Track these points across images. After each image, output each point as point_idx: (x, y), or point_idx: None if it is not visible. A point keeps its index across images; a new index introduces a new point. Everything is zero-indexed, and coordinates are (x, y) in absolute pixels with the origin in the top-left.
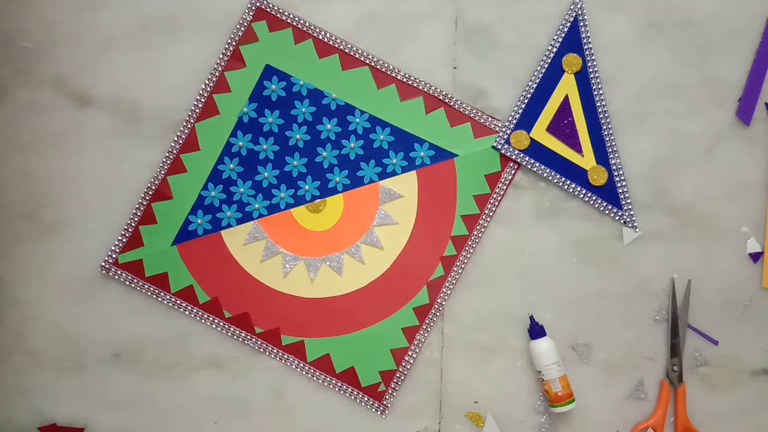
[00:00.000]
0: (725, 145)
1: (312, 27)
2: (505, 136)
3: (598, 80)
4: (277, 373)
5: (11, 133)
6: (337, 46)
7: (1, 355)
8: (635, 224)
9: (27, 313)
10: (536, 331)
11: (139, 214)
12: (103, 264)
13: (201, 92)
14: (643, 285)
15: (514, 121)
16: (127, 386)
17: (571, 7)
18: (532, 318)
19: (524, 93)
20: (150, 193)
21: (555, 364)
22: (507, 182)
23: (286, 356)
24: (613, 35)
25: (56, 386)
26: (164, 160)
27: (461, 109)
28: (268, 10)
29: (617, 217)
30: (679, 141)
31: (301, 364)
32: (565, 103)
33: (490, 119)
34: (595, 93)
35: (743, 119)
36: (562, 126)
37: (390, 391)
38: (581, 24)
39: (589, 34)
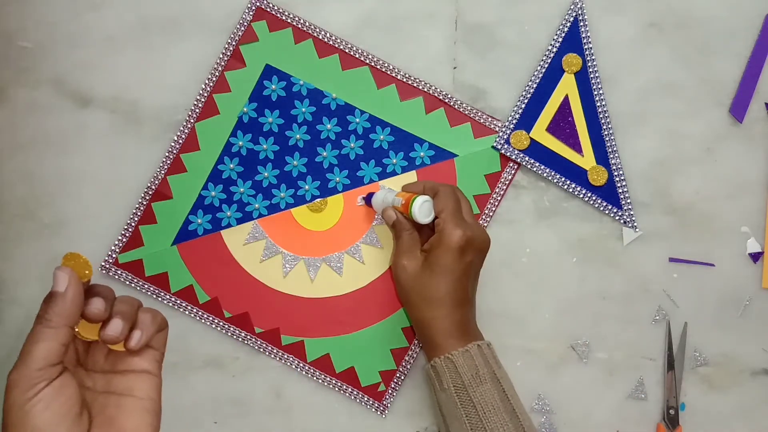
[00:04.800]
0: (725, 144)
1: (312, 27)
2: (505, 136)
3: (598, 80)
4: (277, 373)
5: (11, 133)
6: (337, 46)
7: (1, 355)
8: (635, 224)
9: (27, 313)
10: (369, 196)
11: (139, 214)
12: (103, 264)
13: (201, 92)
14: (643, 285)
15: (514, 121)
16: None
17: (571, 7)
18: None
19: (524, 93)
20: (150, 193)
21: (390, 191)
22: (507, 182)
23: (285, 356)
24: (613, 35)
25: None
26: (164, 159)
27: (461, 109)
28: (268, 9)
29: (617, 217)
30: (679, 141)
31: (301, 364)
32: (565, 103)
33: (490, 119)
34: (595, 93)
35: (736, 116)
36: (562, 126)
37: (390, 391)
38: (581, 24)
39: (589, 34)
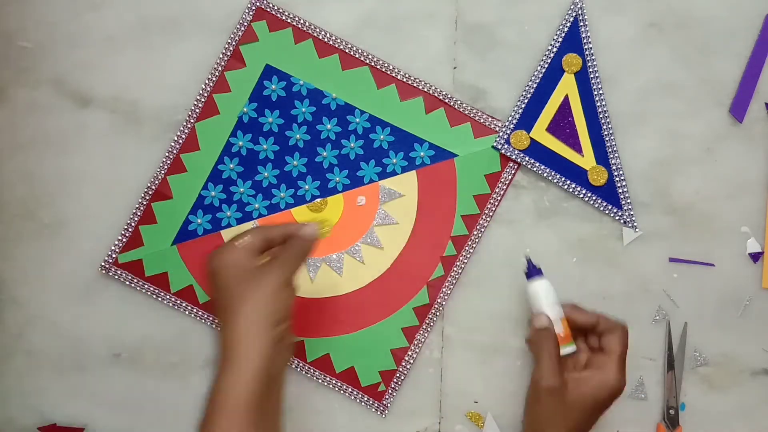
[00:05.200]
0: (725, 145)
1: (312, 27)
2: (505, 136)
3: (598, 80)
4: None
5: (11, 133)
6: (337, 46)
7: (1, 355)
8: (635, 224)
9: (27, 313)
10: (534, 271)
11: (139, 213)
12: (103, 264)
13: (201, 92)
14: (643, 285)
15: (514, 121)
16: (127, 386)
17: (571, 7)
18: (529, 260)
19: (524, 93)
20: (150, 192)
21: (556, 304)
22: (507, 182)
23: None
24: (613, 35)
25: (56, 386)
26: (164, 159)
27: (461, 109)
28: (268, 10)
29: (617, 217)
30: (679, 141)
31: (301, 364)
32: (565, 103)
33: (490, 119)
34: (595, 93)
35: (736, 116)
36: (562, 126)
37: (390, 391)
38: (581, 24)
39: (589, 34)
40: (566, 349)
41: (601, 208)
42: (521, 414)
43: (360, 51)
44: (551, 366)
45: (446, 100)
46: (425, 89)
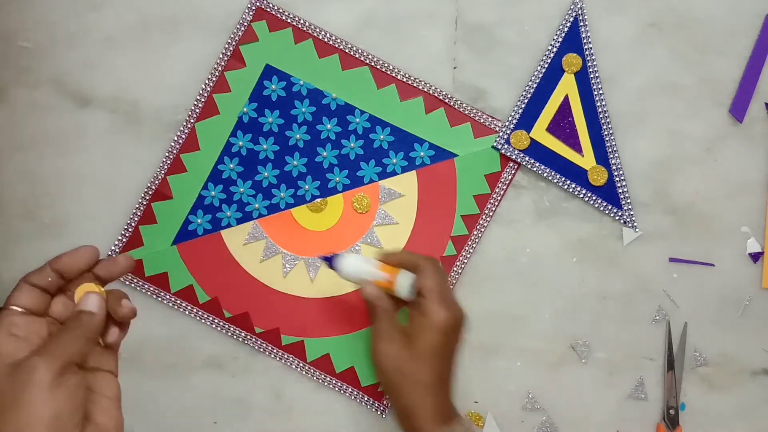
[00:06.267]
0: (725, 144)
1: (312, 27)
2: (505, 136)
3: (598, 80)
4: (277, 373)
5: (11, 133)
6: (337, 46)
7: None
8: (635, 224)
9: None
10: (329, 258)
11: (139, 214)
12: None
13: (201, 92)
14: (643, 285)
15: (514, 121)
16: (127, 386)
17: (571, 7)
18: (320, 257)
19: (524, 93)
20: (150, 192)
21: (366, 263)
22: (507, 182)
23: (286, 356)
24: (613, 35)
25: None
26: (164, 159)
27: (461, 109)
28: (268, 9)
29: (617, 217)
30: (679, 141)
31: (301, 364)
32: (565, 103)
33: (490, 119)
34: (595, 93)
35: (736, 116)
36: (562, 126)
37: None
38: (581, 24)
39: (589, 34)
40: (402, 278)
41: (601, 208)
42: (521, 414)
43: (360, 51)
44: (381, 327)
45: (446, 100)
46: (425, 89)
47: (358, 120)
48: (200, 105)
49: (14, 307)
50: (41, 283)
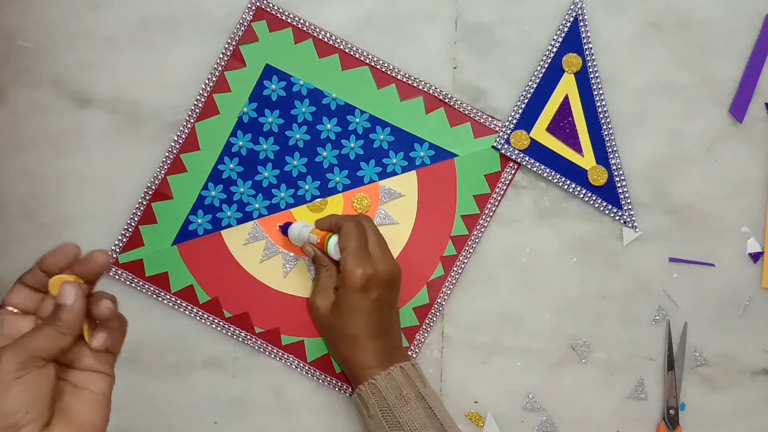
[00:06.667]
0: (725, 144)
1: (312, 27)
2: (505, 136)
3: (598, 80)
4: (277, 373)
5: (11, 133)
6: (337, 46)
7: None
8: (635, 224)
9: None
10: (284, 228)
11: (139, 214)
12: None
13: (201, 92)
14: (643, 285)
15: (514, 121)
16: (127, 386)
17: (571, 7)
18: (279, 226)
19: (524, 93)
20: (150, 192)
21: (305, 227)
22: (507, 182)
23: (285, 356)
24: (613, 35)
25: None
26: (164, 159)
27: (461, 109)
28: (269, 9)
29: (617, 217)
30: (679, 141)
31: (301, 364)
32: (565, 103)
33: (490, 119)
34: (595, 93)
35: (736, 116)
36: (562, 126)
37: None
38: (581, 24)
39: (589, 34)
40: (330, 240)
41: (601, 208)
42: (521, 414)
43: (360, 51)
44: (318, 283)
45: (446, 100)
46: (425, 89)
47: (358, 120)
48: (200, 105)
49: (9, 308)
50: (33, 283)
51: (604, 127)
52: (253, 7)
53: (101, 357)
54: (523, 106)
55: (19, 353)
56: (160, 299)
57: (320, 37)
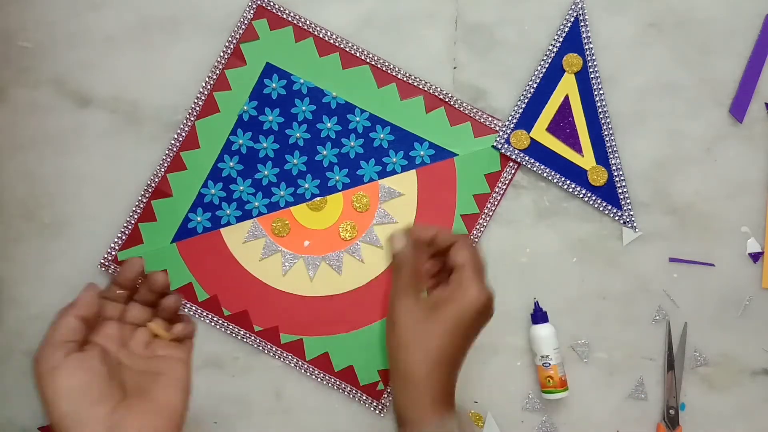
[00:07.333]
0: (725, 144)
1: (313, 26)
2: (505, 136)
3: (599, 80)
4: (277, 373)
5: (11, 133)
6: (337, 44)
7: (1, 355)
8: (635, 224)
9: (27, 313)
10: (539, 316)
11: (138, 211)
12: (102, 261)
13: (201, 90)
14: (643, 285)
15: (514, 121)
16: None
17: (572, 7)
18: (536, 303)
19: (524, 93)
20: (150, 190)
21: (556, 351)
22: (507, 182)
23: (285, 354)
24: (614, 35)
25: None
26: (164, 157)
27: (461, 109)
28: (269, 8)
29: (617, 217)
30: (679, 141)
31: (300, 363)
32: (565, 103)
33: (490, 119)
34: (595, 93)
35: (736, 116)
36: (562, 126)
37: (389, 390)
38: (582, 24)
39: (589, 34)
40: (562, 394)
41: (601, 208)
42: (521, 414)
43: (360, 50)
44: (405, 283)
45: (446, 100)
46: (425, 88)
47: (358, 119)
48: (200, 103)
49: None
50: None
51: (604, 127)
52: (254, 6)
53: (179, 348)
54: (524, 105)
55: (44, 349)
56: None
57: (321, 35)
